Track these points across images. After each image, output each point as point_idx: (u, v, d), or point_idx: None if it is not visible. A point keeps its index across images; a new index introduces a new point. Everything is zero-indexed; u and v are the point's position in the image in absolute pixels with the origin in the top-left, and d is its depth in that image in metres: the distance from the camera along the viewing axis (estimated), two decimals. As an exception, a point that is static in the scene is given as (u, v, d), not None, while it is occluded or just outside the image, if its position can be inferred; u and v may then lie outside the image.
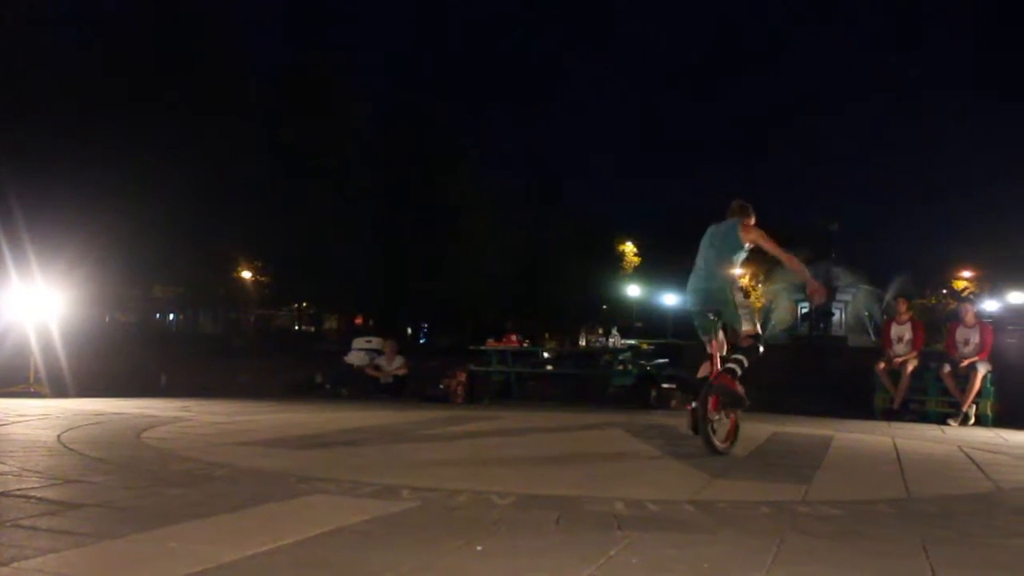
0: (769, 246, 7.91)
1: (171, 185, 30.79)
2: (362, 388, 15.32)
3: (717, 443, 7.42)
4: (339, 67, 41.67)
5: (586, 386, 15.44)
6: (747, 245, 7.94)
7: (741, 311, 7.77)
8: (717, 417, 7.54)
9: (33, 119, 28.88)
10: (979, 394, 12.13)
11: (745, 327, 7.71)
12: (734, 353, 7.64)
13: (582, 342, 15.85)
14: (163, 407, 11.03)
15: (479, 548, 3.68)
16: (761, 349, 7.70)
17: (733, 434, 7.70)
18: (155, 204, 30.15)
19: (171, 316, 56.99)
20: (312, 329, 54.77)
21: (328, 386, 15.72)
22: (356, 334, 21.64)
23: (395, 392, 15.12)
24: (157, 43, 32.60)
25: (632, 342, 17.36)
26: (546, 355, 17.99)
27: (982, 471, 6.86)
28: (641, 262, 66.32)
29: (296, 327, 58.67)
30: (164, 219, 30.64)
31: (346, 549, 3.65)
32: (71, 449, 6.64)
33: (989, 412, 12.15)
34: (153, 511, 4.36)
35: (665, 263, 58.89)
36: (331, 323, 54.20)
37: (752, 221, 8.13)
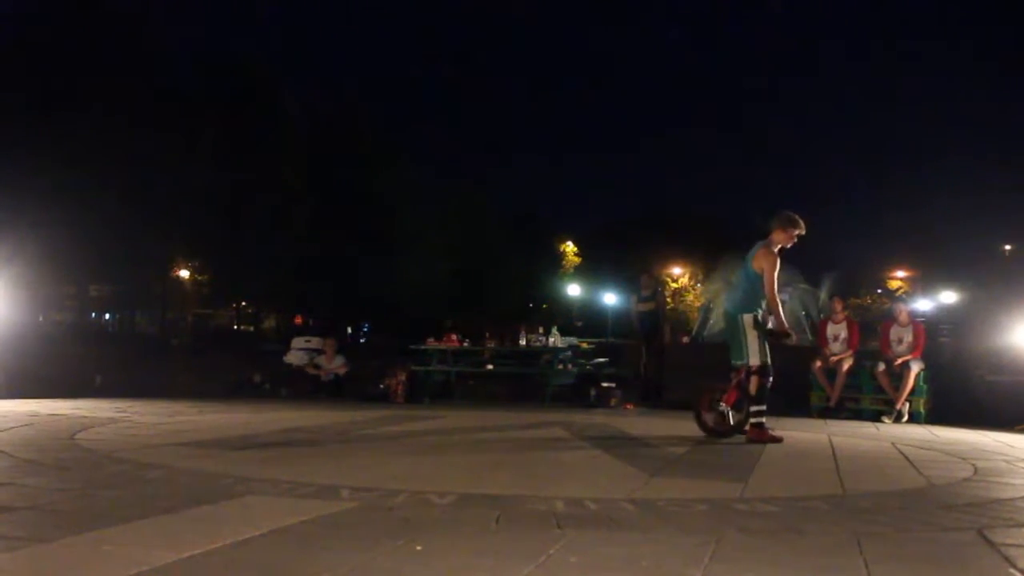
0: (767, 280, 8.42)
1: (105, 184, 30.33)
2: (302, 388, 15.22)
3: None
4: (272, 67, 41.47)
5: (526, 385, 15.44)
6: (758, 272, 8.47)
7: (749, 343, 8.51)
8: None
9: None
10: (912, 392, 12.31)
11: (752, 360, 8.49)
12: (749, 403, 8.57)
13: (522, 341, 15.86)
14: (98, 408, 10.88)
15: (419, 548, 3.66)
16: (769, 382, 8.55)
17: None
18: (89, 203, 29.69)
19: (107, 316, 56.20)
20: (251, 329, 54.25)
21: (267, 386, 15.59)
22: (296, 333, 21.51)
23: (335, 391, 15.03)
24: (83, 40, 32.04)
25: (572, 341, 17.40)
26: (487, 355, 17.99)
27: (915, 467, 6.96)
28: (581, 262, 66.59)
29: (235, 327, 58.07)
30: (98, 218, 30.18)
31: (284, 550, 3.61)
32: (2, 451, 6.52)
33: (922, 409, 12.33)
34: (87, 513, 4.29)
35: (604, 263, 59.26)
36: (271, 322, 53.76)
37: (778, 241, 8.56)
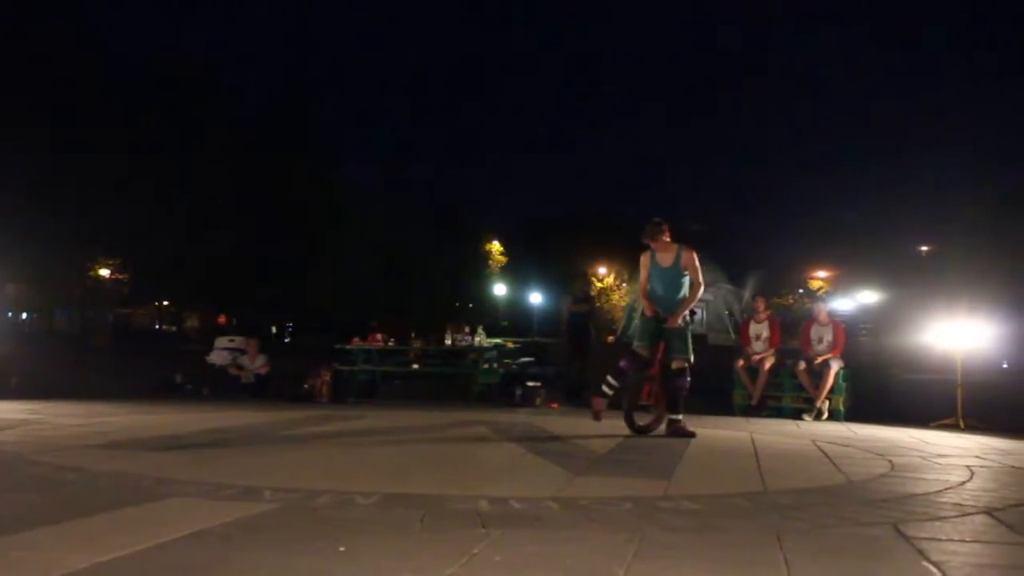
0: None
1: (21, 177, 29.70)
2: (224, 388, 15.04)
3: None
4: (195, 63, 40.82)
5: (452, 385, 15.44)
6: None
7: (689, 341, 9.16)
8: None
9: None
10: (832, 390, 12.50)
11: (691, 357, 9.11)
12: (678, 400, 9.12)
13: (448, 341, 15.85)
14: (13, 409, 10.65)
15: (342, 549, 3.64)
16: (689, 379, 9.15)
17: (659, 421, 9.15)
18: (2, 197, 29.04)
19: (24, 315, 55.00)
20: (173, 328, 53.54)
21: (189, 386, 15.37)
22: (219, 333, 21.24)
23: (258, 392, 14.88)
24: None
25: (498, 341, 17.43)
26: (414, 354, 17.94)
27: (834, 464, 7.08)
28: (508, 261, 66.67)
29: (157, 326, 57.29)
30: (13, 213, 29.52)
31: (205, 552, 3.57)
32: (-88, 454, 6.35)
33: (841, 407, 12.54)
34: (0, 518, 4.19)
35: (530, 262, 59.37)
36: (193, 322, 53.10)
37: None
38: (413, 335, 18.17)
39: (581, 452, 7.57)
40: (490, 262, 65.84)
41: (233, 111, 41.30)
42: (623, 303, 52.66)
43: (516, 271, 62.64)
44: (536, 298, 55.34)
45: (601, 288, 60.25)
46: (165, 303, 51.99)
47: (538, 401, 13.51)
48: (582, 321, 15.09)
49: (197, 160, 36.32)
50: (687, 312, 9.14)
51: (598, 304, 37.42)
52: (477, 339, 15.61)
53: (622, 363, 9.09)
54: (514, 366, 15.95)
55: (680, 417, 9.09)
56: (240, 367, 15.43)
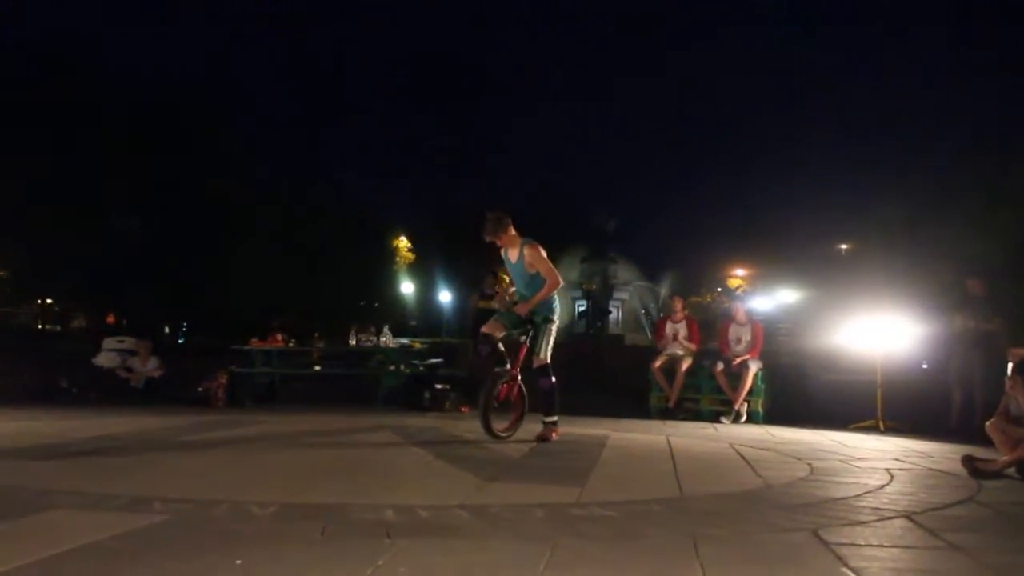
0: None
1: None
2: (113, 392, 14.78)
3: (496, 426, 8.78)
4: (89, 56, 40.09)
5: (356, 388, 15.35)
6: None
7: (552, 338, 9.04)
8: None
9: None
10: (751, 392, 12.73)
11: (544, 354, 8.94)
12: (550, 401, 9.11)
13: (352, 341, 15.75)
14: None
15: (238, 562, 3.59)
16: (553, 379, 9.03)
17: (516, 424, 9.07)
18: None
19: None
20: (58, 328, 52.32)
21: (75, 390, 15.07)
22: (107, 334, 20.84)
23: (149, 396, 14.68)
24: None
25: (405, 341, 17.37)
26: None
27: (752, 468, 7.19)
28: (416, 258, 66.36)
29: (39, 326, 55.95)
30: None
31: (90, 568, 3.50)
32: None
33: (760, 409, 12.76)
34: None
35: (439, 259, 59.20)
36: (79, 322, 51.95)
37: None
38: (316, 335, 18.02)
39: (492, 457, 7.59)
40: (397, 258, 65.53)
41: (119, 105, 40.54)
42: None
43: (425, 268, 62.40)
44: (446, 297, 55.24)
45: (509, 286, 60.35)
46: (48, 301, 50.75)
47: (447, 404, 13.49)
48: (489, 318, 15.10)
49: (83, 153, 35.58)
50: (549, 310, 9.06)
51: (508, 301, 37.53)
52: (383, 339, 15.53)
53: (478, 347, 9.11)
54: (422, 367, 15.90)
55: (554, 419, 9.10)
56: (130, 370, 15.20)
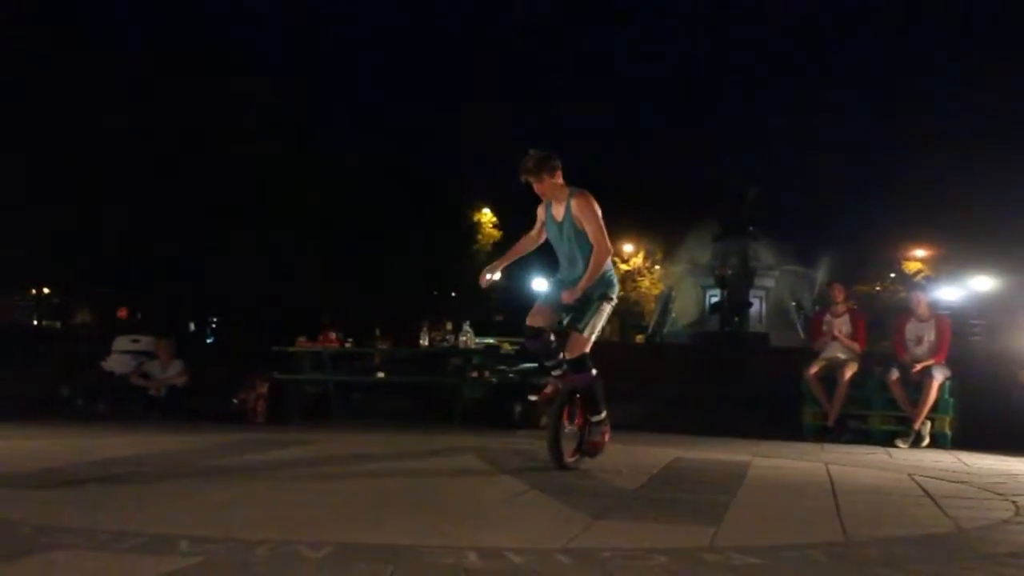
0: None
1: None
2: (127, 404, 15.03)
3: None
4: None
5: (430, 400, 15.43)
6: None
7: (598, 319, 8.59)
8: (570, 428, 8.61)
9: None
10: (935, 407, 12.50)
11: (589, 335, 8.56)
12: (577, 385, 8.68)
13: (424, 341, 15.81)
14: None
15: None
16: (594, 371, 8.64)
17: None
18: None
19: None
20: (58, 325, 53.45)
21: (80, 401, 15.37)
22: (120, 331, 21.19)
23: (171, 409, 14.87)
24: None
25: (490, 341, 17.41)
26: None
27: (938, 506, 7.09)
28: (502, 236, 66.32)
29: (36, 322, 57.16)
30: None
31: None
32: None
33: (947, 430, 12.54)
34: None
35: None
36: (84, 316, 53.00)
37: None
38: (378, 333, 18.18)
39: (601, 488, 7.59)
40: (479, 237, 65.60)
41: (148, 49, 41.22)
42: (656, 292, 52.74)
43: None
44: (540, 285, 55.17)
45: (626, 271, 60.23)
46: (46, 291, 51.83)
47: (543, 421, 13.49)
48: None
49: (93, 103, 36.21)
50: (606, 285, 8.70)
51: (621, 292, 37.47)
52: (463, 339, 15.57)
53: (525, 343, 9.06)
54: (511, 374, 15.90)
55: (602, 417, 8.78)
56: (147, 376, 15.42)
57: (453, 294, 57.37)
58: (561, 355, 8.68)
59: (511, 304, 57.48)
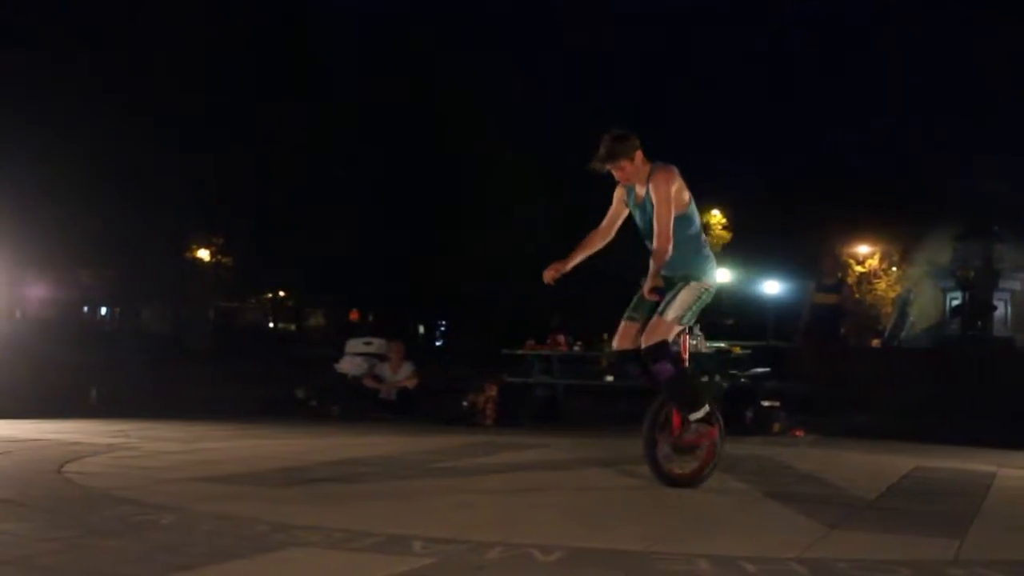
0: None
1: (95, 134, 30.86)
2: (359, 405, 15.31)
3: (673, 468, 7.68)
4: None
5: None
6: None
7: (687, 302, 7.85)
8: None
9: None
10: None
11: (672, 320, 7.80)
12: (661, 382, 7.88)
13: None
14: (94, 431, 11.06)
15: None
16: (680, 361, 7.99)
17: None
18: (74, 158, 30.19)
19: (103, 310, 56.82)
20: (292, 327, 54.66)
21: (314, 403, 15.71)
22: (351, 334, 21.65)
23: (402, 410, 15.09)
24: None
25: (721, 345, 17.28)
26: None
27: None
28: (732, 237, 65.70)
29: (270, 324, 58.50)
30: (87, 177, 30.66)
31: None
32: (-28, 488, 6.65)
33: None
34: (77, 569, 4.36)
35: (764, 239, 58.41)
36: (317, 319, 54.14)
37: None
38: (606, 337, 18.12)
39: (836, 496, 7.46)
40: (709, 239, 65.01)
41: (362, 52, 42.01)
42: (893, 294, 51.52)
43: (745, 250, 61.69)
44: (773, 287, 54.49)
45: (861, 273, 59.05)
46: (281, 294, 53.10)
47: (777, 427, 13.36)
48: (832, 318, 14.85)
49: (314, 112, 36.94)
50: (692, 266, 7.89)
51: (856, 295, 36.63)
52: (692, 342, 15.44)
53: (626, 368, 8.36)
54: (743, 379, 15.76)
55: (703, 413, 7.84)
56: (379, 378, 15.67)
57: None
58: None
59: (741, 306, 56.97)
